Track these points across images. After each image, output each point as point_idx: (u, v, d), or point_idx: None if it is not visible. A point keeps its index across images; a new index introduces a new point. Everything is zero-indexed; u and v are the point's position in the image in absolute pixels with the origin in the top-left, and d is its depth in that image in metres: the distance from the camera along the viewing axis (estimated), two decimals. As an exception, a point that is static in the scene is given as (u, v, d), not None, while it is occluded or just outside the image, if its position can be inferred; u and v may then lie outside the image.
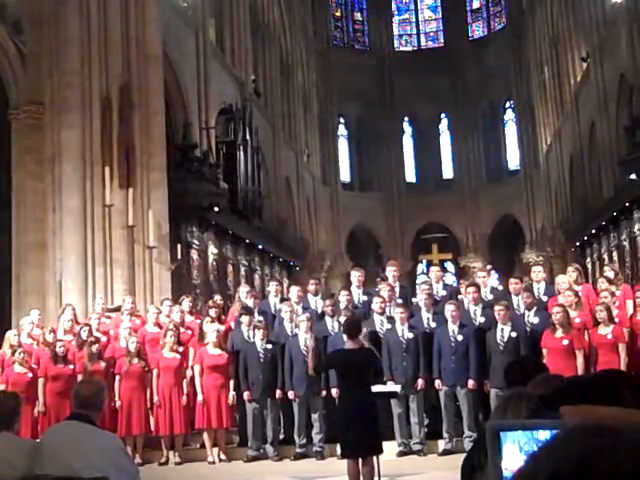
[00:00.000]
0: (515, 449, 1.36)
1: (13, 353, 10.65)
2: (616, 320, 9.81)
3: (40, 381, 10.48)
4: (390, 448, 9.78)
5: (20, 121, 14.60)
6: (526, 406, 2.34)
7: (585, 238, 24.94)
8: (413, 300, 11.49)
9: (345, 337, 8.28)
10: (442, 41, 42.84)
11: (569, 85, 30.28)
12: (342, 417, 8.07)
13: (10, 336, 11.20)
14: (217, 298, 12.47)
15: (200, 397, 10.39)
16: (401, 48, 43.08)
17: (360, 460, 7.71)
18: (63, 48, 14.24)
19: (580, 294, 10.43)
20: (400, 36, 43.42)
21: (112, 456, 4.59)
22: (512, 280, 11.22)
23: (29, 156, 14.48)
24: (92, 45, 14.28)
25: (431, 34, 43.44)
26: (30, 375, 10.54)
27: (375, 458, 7.68)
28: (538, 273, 11.43)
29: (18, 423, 5.04)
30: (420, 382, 10.11)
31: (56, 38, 14.34)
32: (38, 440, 5.96)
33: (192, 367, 10.69)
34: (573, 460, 0.85)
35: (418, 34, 43.50)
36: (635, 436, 0.88)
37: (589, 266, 24.14)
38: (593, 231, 23.69)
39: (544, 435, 1.32)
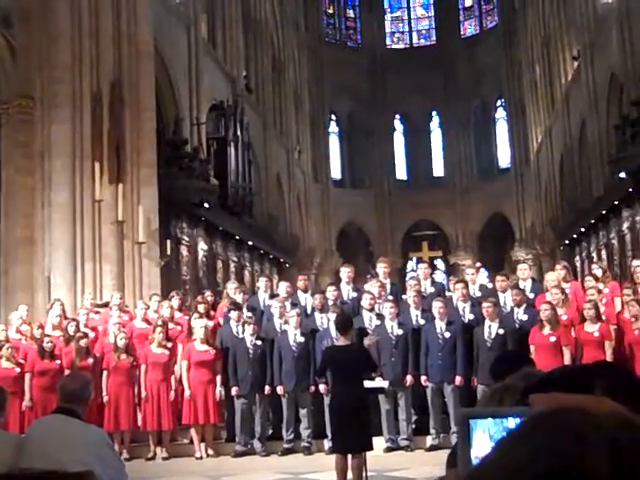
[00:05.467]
0: (485, 437, 1.37)
1: (0, 348, 10.62)
2: (603, 318, 9.87)
3: (27, 376, 10.47)
4: (377, 444, 9.78)
5: (10, 116, 14.56)
6: (512, 397, 2.35)
7: (574, 236, 25.02)
8: (403, 297, 11.51)
9: (336, 334, 8.30)
10: (434, 39, 42.85)
11: (560, 84, 30.35)
12: (334, 413, 8.10)
13: (-3, 331, 11.19)
14: (208, 294, 12.45)
15: (187, 393, 10.40)
16: (393, 46, 43.08)
17: (349, 455, 7.74)
18: (53, 43, 14.18)
19: (568, 291, 10.49)
20: (392, 33, 43.42)
21: (98, 450, 4.59)
22: (498, 277, 11.28)
23: (19, 151, 14.43)
24: (83, 40, 14.22)
25: (423, 32, 43.45)
26: (17, 370, 10.53)
27: (363, 454, 7.71)
28: (524, 271, 11.53)
29: (4, 417, 5.04)
30: (409, 378, 10.14)
31: (46, 33, 14.27)
32: (24, 434, 5.95)
33: (180, 363, 10.69)
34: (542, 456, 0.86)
35: (410, 32, 43.51)
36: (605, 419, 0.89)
37: (578, 264, 24.21)
38: (582, 229, 23.77)
39: (514, 423, 1.33)
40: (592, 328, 9.68)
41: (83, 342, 10.53)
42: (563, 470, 0.83)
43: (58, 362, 10.54)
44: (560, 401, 1.30)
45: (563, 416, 0.91)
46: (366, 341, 8.56)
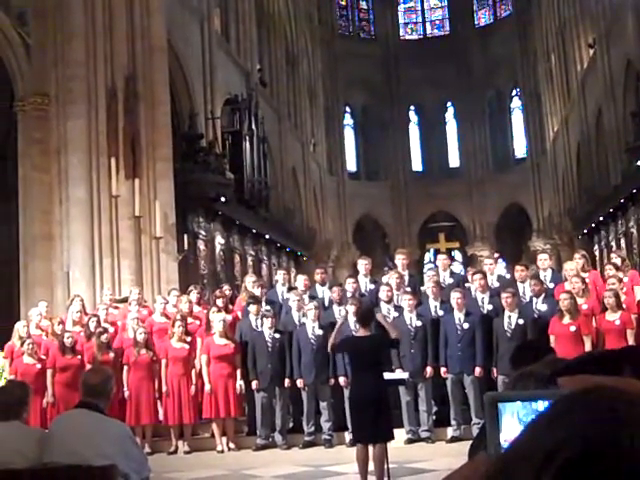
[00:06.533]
0: (514, 421, 1.35)
1: (22, 344, 10.69)
2: (624, 306, 9.80)
3: (48, 372, 10.52)
4: (398, 435, 9.77)
5: (26, 113, 14.61)
6: (535, 383, 2.33)
7: (592, 225, 24.87)
8: (421, 289, 11.48)
9: (356, 325, 8.28)
10: (448, 29, 42.64)
11: (576, 72, 30.14)
12: (354, 403, 8.09)
13: (19, 327, 11.23)
14: (226, 288, 12.45)
15: (207, 387, 10.42)
16: (407, 36, 42.91)
17: (370, 446, 7.73)
18: (68, 39, 14.24)
19: (587, 280, 10.42)
20: (406, 24, 43.25)
21: (121, 444, 4.60)
22: (518, 267, 11.21)
23: (35, 148, 14.50)
24: (97, 36, 14.27)
25: (437, 22, 43.24)
26: (39, 366, 10.58)
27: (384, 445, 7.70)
28: (544, 261, 11.44)
29: (27, 412, 5.05)
30: (428, 370, 10.12)
31: (61, 29, 14.34)
32: (47, 430, 5.98)
33: (199, 357, 10.72)
34: (578, 433, 0.84)
35: (424, 22, 43.31)
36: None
37: (597, 253, 24.08)
38: (601, 218, 23.61)
39: (543, 406, 1.31)
40: (613, 317, 9.61)
41: (104, 337, 10.57)
42: (598, 452, 0.81)
43: (79, 357, 10.59)
44: (590, 382, 1.28)
45: (595, 395, 0.89)
46: (378, 315, 8.54)
